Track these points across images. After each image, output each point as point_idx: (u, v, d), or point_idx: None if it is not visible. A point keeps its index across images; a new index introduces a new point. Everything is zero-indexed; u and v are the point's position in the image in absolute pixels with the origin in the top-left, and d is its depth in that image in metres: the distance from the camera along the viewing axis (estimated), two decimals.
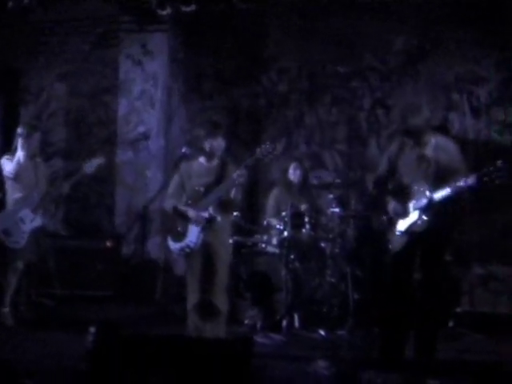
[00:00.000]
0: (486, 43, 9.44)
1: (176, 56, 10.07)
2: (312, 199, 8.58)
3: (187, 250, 6.51)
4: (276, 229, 8.05)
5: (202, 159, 6.73)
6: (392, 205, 6.44)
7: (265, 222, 8.39)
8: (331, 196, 8.24)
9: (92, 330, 4.86)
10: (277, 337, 7.48)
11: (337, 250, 8.07)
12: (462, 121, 9.53)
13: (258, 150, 6.36)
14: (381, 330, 6.59)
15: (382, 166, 6.65)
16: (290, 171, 8.54)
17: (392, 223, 6.43)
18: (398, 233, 6.38)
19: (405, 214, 6.33)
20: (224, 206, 6.54)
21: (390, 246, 6.46)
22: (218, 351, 4.81)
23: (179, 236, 6.56)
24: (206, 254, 6.52)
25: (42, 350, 6.71)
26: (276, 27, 9.92)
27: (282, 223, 7.96)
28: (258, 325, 7.85)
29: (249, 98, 9.97)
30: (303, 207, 8.18)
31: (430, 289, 6.33)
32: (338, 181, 8.53)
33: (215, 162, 6.68)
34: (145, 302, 8.95)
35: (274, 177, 9.53)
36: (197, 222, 6.47)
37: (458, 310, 8.11)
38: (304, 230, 8.04)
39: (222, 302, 6.54)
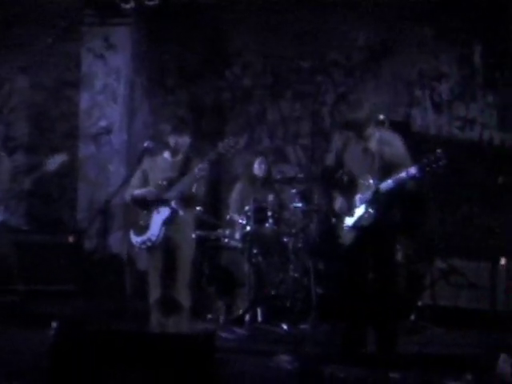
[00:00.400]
0: (447, 40, 9.53)
1: (139, 50, 10.00)
2: (275, 194, 8.60)
3: (149, 243, 6.49)
4: (239, 223, 8.06)
5: (166, 154, 6.71)
6: (339, 200, 6.49)
7: (228, 217, 8.40)
8: (294, 191, 8.26)
9: (54, 325, 4.82)
10: (240, 331, 7.49)
11: (300, 245, 8.09)
12: (424, 116, 9.61)
13: (220, 144, 6.36)
14: (342, 324, 6.62)
15: (329, 161, 6.70)
16: (255, 166, 8.54)
17: (340, 218, 6.48)
18: (346, 227, 6.42)
19: (351, 209, 6.38)
20: (186, 200, 6.53)
21: (340, 241, 6.50)
22: (180, 346, 4.79)
23: (141, 229, 6.54)
24: (167, 248, 6.50)
25: (3, 345, 6.65)
26: (240, 22, 9.90)
27: (244, 218, 7.97)
28: (221, 319, 7.87)
29: (212, 92, 9.96)
30: (266, 202, 8.19)
31: (383, 282, 6.38)
32: (300, 175, 8.56)
33: (179, 157, 6.67)
34: (108, 297, 8.90)
35: (238, 171, 9.54)
36: (160, 208, 6.46)
37: (420, 303, 8.19)
38: (267, 225, 8.04)
39: (184, 297, 6.53)
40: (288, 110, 9.88)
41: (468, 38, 9.50)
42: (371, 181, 6.23)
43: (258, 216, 7.94)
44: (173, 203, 6.43)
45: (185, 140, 6.62)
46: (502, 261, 7.99)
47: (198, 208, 7.56)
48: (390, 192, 6.15)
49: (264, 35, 9.82)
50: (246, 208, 7.96)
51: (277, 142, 9.92)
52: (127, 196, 6.76)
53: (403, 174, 6.04)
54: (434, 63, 9.60)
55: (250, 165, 8.59)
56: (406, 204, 6.48)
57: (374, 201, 6.21)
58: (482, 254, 8.25)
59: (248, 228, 7.88)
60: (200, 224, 8.08)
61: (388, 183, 6.12)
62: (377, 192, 6.17)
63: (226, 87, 9.99)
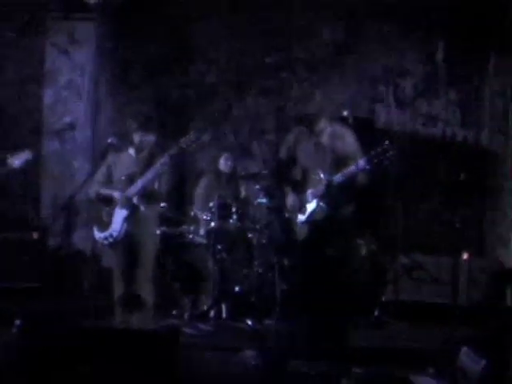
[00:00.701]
0: (411, 37, 9.60)
1: (104, 46, 9.94)
2: (240, 190, 8.61)
3: (110, 239, 6.49)
4: (203, 219, 8.06)
5: (130, 151, 6.71)
6: (290, 196, 6.51)
7: (192, 213, 8.40)
8: (258, 187, 8.28)
9: (18, 323, 4.81)
10: (204, 327, 7.51)
11: (264, 241, 8.11)
12: (388, 113, 9.67)
13: (182, 139, 6.36)
14: (306, 319, 6.65)
15: (281, 156, 6.72)
16: (221, 161, 8.56)
17: (294, 213, 6.50)
18: (299, 223, 6.45)
19: (303, 204, 6.41)
20: (148, 196, 6.52)
21: (294, 236, 6.53)
22: (144, 342, 4.80)
23: (104, 225, 6.54)
24: (130, 244, 6.50)
25: None
26: (204, 17, 9.89)
27: (209, 214, 7.97)
28: (186, 315, 7.87)
29: (177, 88, 9.93)
30: (231, 198, 8.20)
31: (337, 276, 6.41)
32: (265, 171, 8.58)
33: (144, 153, 6.66)
34: (72, 293, 8.86)
35: (202, 167, 9.53)
36: (122, 204, 6.45)
37: (383, 298, 8.25)
38: (231, 221, 8.05)
39: (148, 293, 6.53)
40: (253, 106, 9.88)
41: (431, 36, 9.57)
42: (322, 175, 6.26)
43: (222, 212, 7.96)
44: (134, 199, 6.43)
45: (150, 138, 6.62)
46: (465, 255, 8.07)
47: (162, 204, 7.56)
48: (341, 186, 6.20)
49: (229, 31, 9.81)
50: (211, 204, 7.97)
51: (241, 137, 9.92)
52: (91, 192, 6.75)
53: (352, 168, 6.10)
54: (398, 60, 9.66)
55: (216, 160, 8.61)
56: (358, 198, 6.50)
57: (325, 195, 6.24)
58: (444, 249, 8.33)
59: (212, 224, 7.88)
60: (164, 220, 8.08)
61: (338, 177, 6.17)
62: (327, 186, 6.20)
63: (191, 83, 9.96)
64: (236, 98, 9.92)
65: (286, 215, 6.60)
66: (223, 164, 8.55)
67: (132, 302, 6.49)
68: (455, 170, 8.10)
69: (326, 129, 6.42)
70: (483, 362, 5.25)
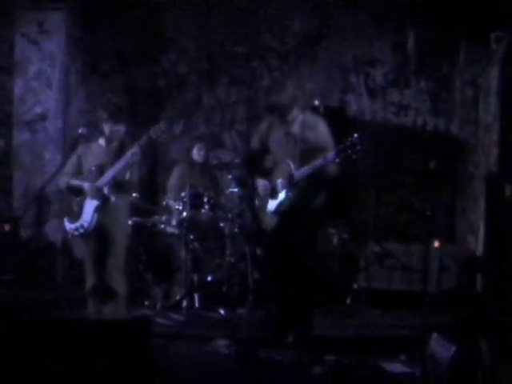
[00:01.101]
0: (382, 27, 9.63)
1: (74, 35, 9.87)
2: (213, 179, 8.61)
3: (81, 230, 6.45)
4: (175, 209, 8.05)
5: (101, 141, 6.67)
6: (261, 184, 6.50)
7: (164, 203, 8.39)
8: (230, 176, 8.28)
9: None
10: (177, 317, 7.51)
11: (236, 230, 8.12)
12: (360, 102, 9.71)
13: (152, 129, 6.34)
14: (278, 308, 6.67)
15: (253, 146, 6.72)
16: (194, 151, 8.54)
17: (263, 203, 6.51)
18: (268, 213, 6.46)
19: (272, 194, 6.41)
20: (119, 186, 6.49)
21: (264, 227, 6.54)
22: (116, 333, 4.78)
23: (74, 216, 6.50)
24: (101, 235, 6.46)
25: None
26: (175, 7, 9.86)
27: (181, 203, 7.96)
28: (159, 305, 7.86)
29: (148, 78, 9.89)
30: (203, 187, 8.19)
31: (305, 266, 6.42)
32: (236, 161, 8.56)
33: (114, 144, 6.63)
34: (45, 285, 8.83)
35: (174, 157, 9.52)
36: (92, 195, 6.42)
37: (355, 286, 8.30)
38: (203, 211, 8.04)
39: (119, 283, 6.51)
40: (224, 95, 9.88)
41: (402, 26, 9.61)
42: (292, 165, 6.25)
43: (194, 202, 7.94)
44: (105, 190, 6.40)
45: (120, 128, 6.59)
46: (436, 243, 8.12)
47: (134, 194, 7.54)
48: (309, 177, 6.20)
49: (199, 20, 9.79)
50: (182, 194, 7.96)
51: (213, 127, 9.91)
52: (62, 183, 6.71)
53: (321, 161, 6.09)
54: (369, 49, 9.69)
55: (189, 150, 8.60)
56: (330, 187, 6.51)
57: (295, 186, 6.25)
58: (415, 237, 8.39)
59: (184, 214, 7.88)
60: (136, 210, 8.06)
61: (305, 169, 6.15)
62: (296, 177, 6.21)
63: (162, 73, 9.94)
64: (207, 88, 9.91)
65: (257, 203, 6.58)
66: (196, 154, 8.54)
67: (104, 292, 6.47)
68: (426, 159, 8.14)
69: (298, 118, 6.40)
70: (453, 349, 5.30)
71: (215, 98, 9.88)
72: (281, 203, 6.34)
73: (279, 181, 6.34)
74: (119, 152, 6.52)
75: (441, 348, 5.45)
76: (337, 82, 9.68)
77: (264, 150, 6.58)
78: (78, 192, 6.51)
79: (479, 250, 8.51)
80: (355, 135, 5.95)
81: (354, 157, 5.93)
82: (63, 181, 6.68)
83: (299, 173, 6.19)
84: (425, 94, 9.65)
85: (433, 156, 8.09)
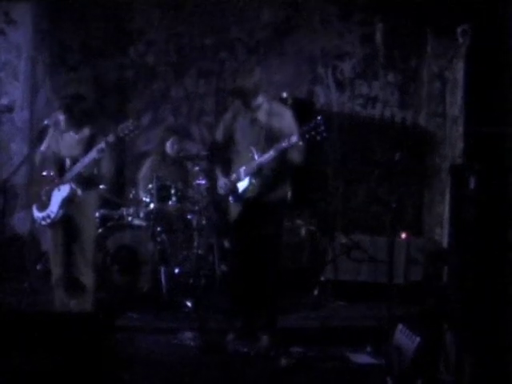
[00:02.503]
0: (350, 19, 9.66)
1: (40, 26, 9.79)
2: (184, 171, 8.60)
3: (48, 220, 6.42)
4: (143, 201, 8.02)
5: (71, 132, 6.62)
6: (220, 182, 6.50)
7: (131, 195, 8.36)
8: (197, 168, 8.27)
9: None
10: (144, 309, 7.48)
11: (203, 222, 8.12)
12: (327, 94, 9.73)
13: (119, 127, 6.29)
14: (245, 300, 6.67)
15: (218, 132, 6.71)
16: (168, 144, 8.52)
17: (226, 192, 6.50)
18: (232, 201, 6.46)
19: (235, 181, 6.40)
20: (87, 180, 6.45)
21: (227, 216, 6.54)
22: (81, 325, 4.78)
23: (43, 205, 6.47)
24: (68, 227, 6.44)
25: None
26: None
27: (148, 195, 7.94)
28: (126, 297, 7.82)
29: (115, 69, 9.83)
30: (172, 180, 8.17)
31: (268, 254, 6.43)
32: (204, 153, 8.55)
33: (84, 134, 6.58)
34: (13, 278, 8.76)
35: (144, 149, 9.50)
36: (59, 187, 6.38)
37: (322, 278, 8.33)
38: (170, 203, 8.02)
39: (87, 276, 6.48)
40: (192, 87, 9.85)
41: (370, 18, 9.64)
42: (254, 152, 6.25)
43: (162, 194, 7.92)
44: (72, 184, 6.37)
45: (59, 118, 6.53)
46: (403, 235, 8.18)
47: (101, 186, 7.51)
48: (273, 163, 6.20)
49: (167, 12, 9.75)
50: (150, 186, 7.94)
51: (181, 119, 9.89)
52: (30, 174, 6.69)
53: (284, 143, 6.09)
54: (337, 42, 9.71)
55: (163, 142, 8.57)
56: (292, 177, 6.52)
57: (258, 172, 6.24)
58: (382, 229, 8.43)
59: (152, 206, 7.86)
60: (103, 202, 8.02)
61: (270, 153, 6.15)
62: (259, 163, 6.20)
63: (130, 64, 9.88)
64: (175, 80, 9.88)
65: (221, 193, 6.55)
66: (169, 147, 8.52)
67: (71, 285, 6.45)
68: (393, 151, 8.18)
69: (263, 106, 6.40)
70: (418, 339, 5.35)
71: (183, 89, 9.85)
72: (244, 191, 6.33)
73: (242, 168, 6.32)
74: (88, 143, 6.47)
75: (406, 339, 5.50)
76: (305, 73, 9.68)
77: (228, 139, 6.56)
78: (47, 182, 6.47)
79: (446, 242, 8.58)
80: (318, 117, 5.94)
81: (318, 138, 5.90)
82: (31, 172, 6.65)
83: (263, 158, 6.18)
84: (393, 86, 9.69)
85: (400, 148, 8.13)
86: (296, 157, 6.24)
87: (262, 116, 6.34)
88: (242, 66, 9.63)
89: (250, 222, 6.36)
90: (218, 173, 6.53)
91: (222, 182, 6.46)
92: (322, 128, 5.88)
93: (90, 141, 6.51)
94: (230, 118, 6.57)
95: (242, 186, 6.34)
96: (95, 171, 6.49)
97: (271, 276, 6.41)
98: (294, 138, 6.01)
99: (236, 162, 6.44)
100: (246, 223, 6.39)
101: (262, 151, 6.19)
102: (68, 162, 6.47)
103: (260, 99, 6.38)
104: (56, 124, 6.56)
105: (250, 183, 6.27)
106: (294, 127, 6.25)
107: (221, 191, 6.49)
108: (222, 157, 6.62)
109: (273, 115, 6.33)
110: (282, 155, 6.15)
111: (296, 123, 6.31)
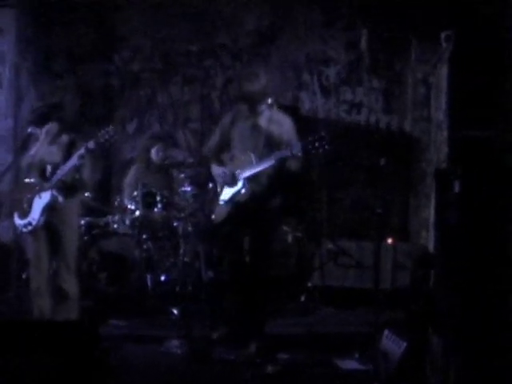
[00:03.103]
0: (334, 25, 9.67)
1: (25, 33, 9.76)
2: (169, 178, 8.58)
3: (29, 227, 6.38)
4: (128, 209, 8.00)
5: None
6: (220, 171, 6.49)
7: (116, 202, 8.34)
8: (182, 175, 8.26)
9: None
10: (130, 317, 7.45)
11: (189, 229, 8.09)
12: (313, 100, 9.74)
13: (99, 133, 6.25)
14: (230, 306, 6.66)
15: (214, 136, 6.71)
16: (153, 152, 8.51)
17: (216, 194, 6.49)
18: (221, 202, 6.44)
19: (232, 181, 6.39)
20: (67, 188, 6.41)
21: (213, 217, 6.53)
22: (66, 334, 4.75)
23: (24, 212, 6.43)
24: (49, 234, 6.40)
25: None
26: (128, 5, 9.80)
27: (133, 203, 7.92)
28: (111, 306, 7.79)
29: (101, 77, 9.82)
30: (157, 187, 8.15)
31: (258, 261, 6.43)
32: (190, 160, 8.53)
33: (63, 140, 6.55)
34: None
35: (129, 156, 9.48)
36: (39, 194, 6.35)
37: (309, 284, 8.33)
38: (156, 210, 8.00)
39: (69, 284, 6.43)
40: (177, 94, 9.84)
41: (355, 24, 9.67)
42: (252, 156, 6.25)
43: (147, 201, 7.90)
44: (53, 190, 6.34)
45: (51, 127, 6.51)
46: (389, 240, 8.17)
47: (86, 194, 7.48)
48: (271, 169, 6.20)
49: (152, 19, 9.75)
50: (135, 193, 7.92)
51: (166, 126, 9.88)
52: (12, 182, 6.65)
53: (285, 152, 6.09)
54: (322, 48, 9.72)
55: (148, 150, 8.55)
56: (287, 183, 6.52)
57: (254, 177, 6.24)
58: (368, 234, 8.43)
59: (137, 213, 7.84)
60: (88, 210, 7.99)
61: (269, 160, 6.14)
62: (257, 168, 6.20)
63: (115, 71, 9.87)
64: (160, 87, 9.86)
65: (219, 182, 6.53)
66: (154, 154, 8.51)
67: (53, 293, 6.41)
68: (379, 156, 8.19)
69: (265, 111, 6.40)
70: (404, 345, 5.35)
71: (168, 96, 9.84)
72: (237, 192, 6.32)
73: (237, 171, 6.32)
74: (69, 150, 6.44)
75: (392, 344, 5.50)
76: (290, 80, 9.70)
77: (224, 143, 6.56)
78: (29, 189, 6.44)
79: (432, 246, 8.59)
80: (322, 132, 5.98)
81: (320, 151, 5.94)
82: (14, 180, 6.63)
83: (262, 164, 6.18)
84: (377, 91, 9.71)
85: (385, 154, 8.14)
86: (293, 166, 6.27)
87: (263, 122, 6.35)
88: (226, 75, 9.68)
89: (239, 228, 6.36)
90: (214, 166, 6.52)
91: (220, 170, 6.45)
92: (325, 142, 5.91)
93: (69, 148, 6.47)
94: (228, 123, 6.57)
95: (235, 188, 6.34)
96: (77, 177, 6.46)
97: (260, 283, 6.40)
98: (296, 149, 6.02)
99: (230, 166, 6.44)
100: (235, 229, 6.38)
101: (260, 157, 6.20)
102: (49, 168, 6.44)
103: (264, 105, 6.39)
104: (48, 132, 6.53)
105: (244, 186, 6.27)
106: (294, 135, 6.29)
107: (219, 180, 6.47)
108: (216, 158, 6.62)
109: (273, 122, 6.36)
110: (280, 163, 6.16)
111: (296, 131, 6.34)
